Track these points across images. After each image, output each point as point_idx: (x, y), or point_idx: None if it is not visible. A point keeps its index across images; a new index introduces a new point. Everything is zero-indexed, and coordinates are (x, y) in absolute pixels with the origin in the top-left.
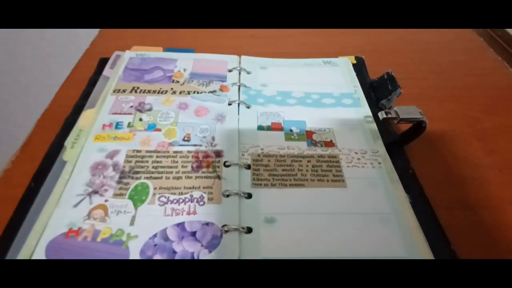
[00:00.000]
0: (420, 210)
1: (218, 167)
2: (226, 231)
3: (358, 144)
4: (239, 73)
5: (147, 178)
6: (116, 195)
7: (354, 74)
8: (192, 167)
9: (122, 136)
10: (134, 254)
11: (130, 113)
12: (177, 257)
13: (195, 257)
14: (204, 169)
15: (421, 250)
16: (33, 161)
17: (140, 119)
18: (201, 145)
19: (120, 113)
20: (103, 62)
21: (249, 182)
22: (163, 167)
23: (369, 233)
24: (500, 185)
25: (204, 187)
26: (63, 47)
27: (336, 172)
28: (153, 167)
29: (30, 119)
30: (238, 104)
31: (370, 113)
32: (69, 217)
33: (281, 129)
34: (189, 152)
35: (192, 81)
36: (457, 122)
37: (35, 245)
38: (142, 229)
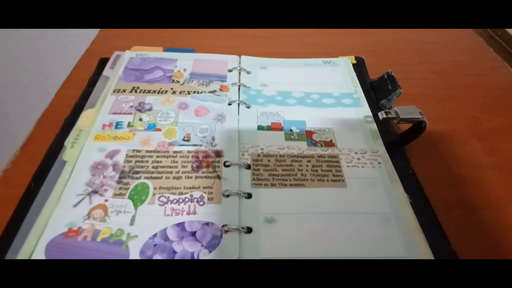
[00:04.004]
0: (420, 210)
1: (218, 167)
2: (226, 231)
3: (358, 144)
4: (239, 73)
5: (147, 178)
6: (116, 195)
7: (354, 74)
8: (192, 167)
9: (122, 136)
10: (134, 254)
11: (130, 113)
12: (177, 257)
13: (195, 257)
14: (204, 169)
15: (421, 250)
16: (33, 161)
17: (140, 119)
18: (201, 145)
19: (120, 113)
20: (103, 62)
21: (249, 182)
22: (163, 167)
23: (369, 233)
24: (500, 185)
25: (204, 187)
26: (63, 47)
27: (336, 172)
28: (153, 167)
29: (30, 119)
30: (238, 104)
31: (370, 113)
32: (69, 217)
33: (281, 129)
34: (189, 152)
35: (192, 81)
36: (457, 122)
37: (34, 245)
38: (142, 229)
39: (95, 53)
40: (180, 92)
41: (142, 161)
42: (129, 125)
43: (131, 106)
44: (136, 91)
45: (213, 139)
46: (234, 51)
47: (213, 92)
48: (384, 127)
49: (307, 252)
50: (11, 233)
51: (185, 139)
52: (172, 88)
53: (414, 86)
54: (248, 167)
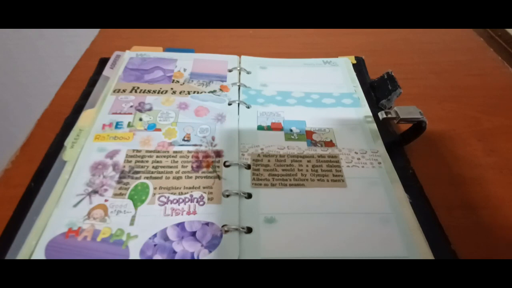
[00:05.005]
0: (420, 210)
1: (218, 167)
2: (226, 231)
3: (358, 144)
4: (239, 73)
5: (147, 178)
6: (116, 195)
7: (354, 74)
8: (192, 167)
9: (122, 136)
10: (134, 254)
11: (130, 113)
12: (177, 257)
13: (195, 257)
14: (204, 169)
15: (421, 250)
16: (33, 161)
17: (140, 119)
18: (201, 145)
19: (120, 113)
20: (103, 62)
21: (249, 182)
22: (163, 167)
23: (369, 233)
24: (500, 185)
25: (204, 187)
26: (63, 47)
27: (336, 172)
28: (153, 167)
29: (30, 119)
30: (238, 104)
31: (370, 113)
32: (69, 217)
33: (281, 129)
34: (189, 152)
35: (192, 81)
36: (457, 122)
37: (34, 245)
38: (142, 229)
39: (95, 53)
40: (180, 92)
41: (142, 161)
42: (129, 125)
43: (131, 106)
44: (136, 91)
45: (213, 139)
46: (234, 51)
47: (213, 92)
48: (384, 127)
49: (307, 252)
50: (11, 233)
51: (185, 139)
52: (172, 88)
53: (414, 86)
54: (248, 167)
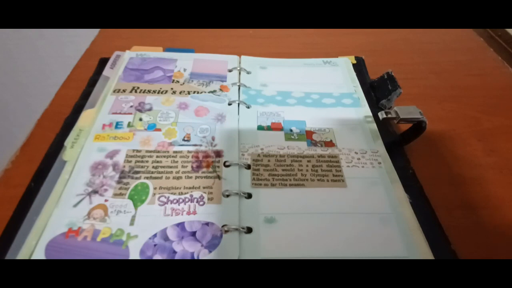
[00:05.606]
0: (420, 210)
1: (218, 167)
2: (226, 231)
3: (358, 144)
4: (239, 73)
5: (147, 178)
6: (116, 195)
7: (354, 74)
8: (192, 167)
9: (122, 136)
10: (134, 254)
11: (130, 113)
12: (177, 257)
13: (195, 257)
14: (204, 169)
15: (421, 250)
16: (33, 161)
17: (140, 119)
18: (201, 145)
19: (120, 113)
20: (103, 62)
21: (249, 182)
22: (163, 167)
23: (369, 233)
24: (500, 185)
25: (204, 187)
26: (63, 47)
27: (336, 172)
28: (153, 167)
29: (30, 119)
30: (238, 104)
31: (370, 113)
32: (69, 217)
33: (281, 129)
34: (189, 152)
35: (192, 81)
36: (457, 122)
37: (34, 245)
38: (142, 229)
39: (95, 53)
40: (180, 92)
41: (142, 161)
42: (129, 125)
43: (131, 106)
44: (136, 91)
45: (213, 139)
46: (234, 51)
47: (213, 92)
48: (384, 127)
49: (307, 252)
50: (11, 233)
51: (185, 139)
52: (172, 88)
53: (414, 86)
54: (248, 167)
